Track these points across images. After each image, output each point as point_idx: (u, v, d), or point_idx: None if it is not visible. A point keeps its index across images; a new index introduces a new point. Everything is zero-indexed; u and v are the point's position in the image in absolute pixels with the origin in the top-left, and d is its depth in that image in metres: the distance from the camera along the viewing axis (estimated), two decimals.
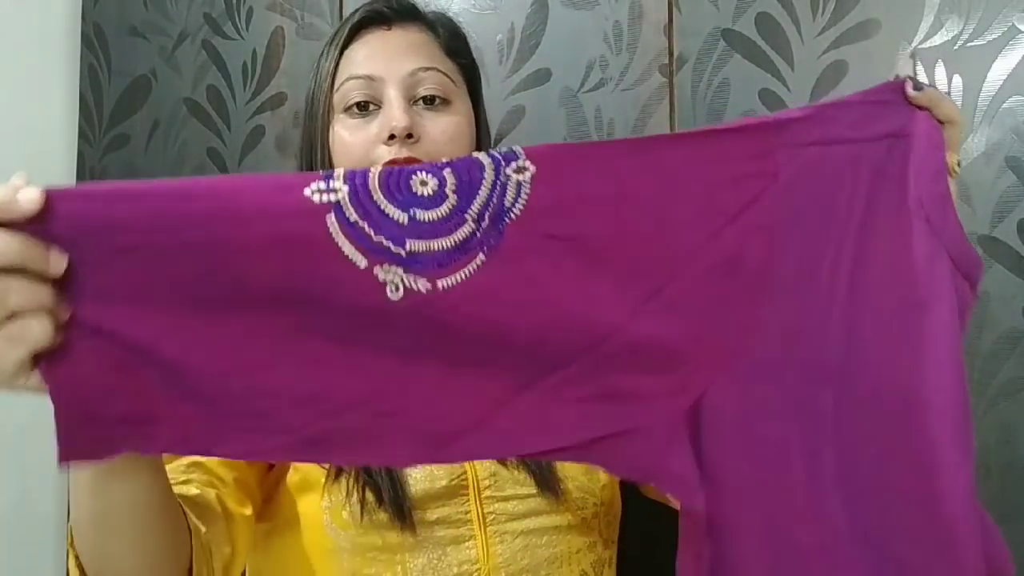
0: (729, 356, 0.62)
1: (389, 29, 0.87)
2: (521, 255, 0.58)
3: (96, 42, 1.47)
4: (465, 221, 0.57)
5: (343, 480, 0.77)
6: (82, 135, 1.46)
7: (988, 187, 0.98)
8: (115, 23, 1.46)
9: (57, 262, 0.51)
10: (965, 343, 0.63)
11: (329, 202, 0.55)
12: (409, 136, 0.80)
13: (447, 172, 0.57)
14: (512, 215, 0.57)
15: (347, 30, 0.87)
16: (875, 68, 1.04)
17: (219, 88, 1.38)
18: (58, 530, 1.41)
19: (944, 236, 0.62)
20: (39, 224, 0.50)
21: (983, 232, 0.98)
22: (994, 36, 0.99)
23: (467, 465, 0.79)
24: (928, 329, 0.61)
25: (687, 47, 1.13)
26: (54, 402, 0.52)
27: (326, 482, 0.78)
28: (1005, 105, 0.98)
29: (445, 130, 0.83)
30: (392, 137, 0.80)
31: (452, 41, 0.89)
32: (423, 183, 0.57)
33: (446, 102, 0.85)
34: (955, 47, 1.01)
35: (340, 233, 0.55)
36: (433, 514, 0.77)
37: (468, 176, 0.57)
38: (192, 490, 0.73)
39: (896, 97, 0.63)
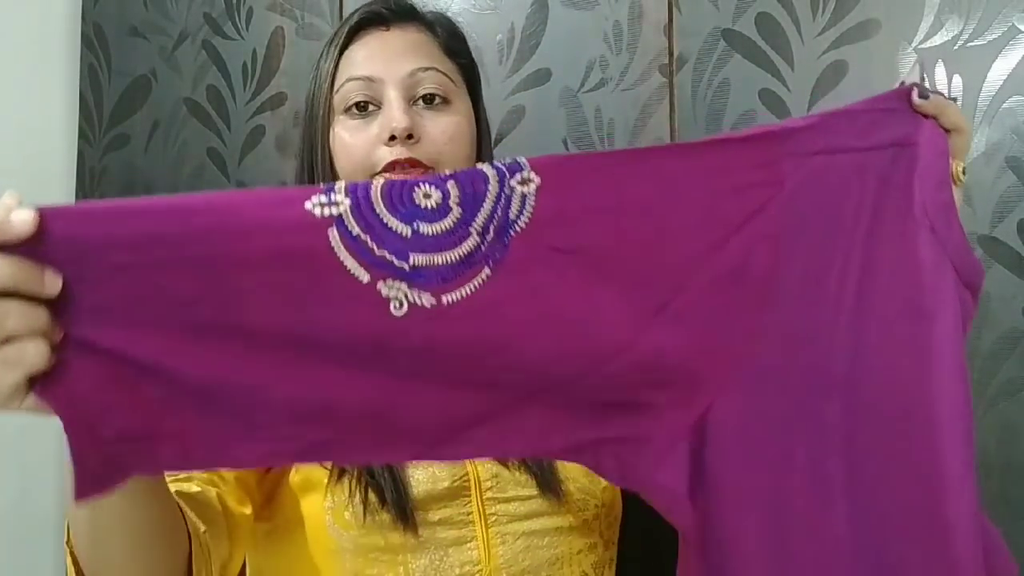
0: (735, 367, 0.61)
1: (388, 30, 0.87)
2: (526, 268, 0.57)
3: (96, 42, 1.46)
4: (469, 234, 0.56)
5: (346, 481, 0.77)
6: (82, 135, 1.46)
7: (988, 187, 0.98)
8: (115, 23, 1.45)
9: (52, 283, 0.50)
10: (965, 344, 0.63)
11: (331, 215, 0.54)
12: (409, 137, 0.80)
13: (451, 184, 0.56)
14: (517, 228, 0.57)
15: (346, 31, 0.87)
16: (875, 68, 1.04)
17: (219, 88, 1.38)
18: (57, 529, 1.40)
19: (948, 245, 0.61)
20: (33, 245, 0.50)
21: (983, 232, 0.98)
22: (994, 36, 0.99)
23: (469, 466, 0.80)
24: (933, 339, 0.60)
25: (687, 47, 1.13)
26: (65, 426, 0.52)
27: (329, 482, 0.78)
28: (1005, 105, 0.98)
29: (445, 130, 0.83)
30: (393, 138, 0.80)
31: (451, 41, 0.89)
32: (426, 195, 0.56)
33: (446, 102, 0.85)
34: (955, 47, 1.01)
35: (342, 247, 0.54)
36: (435, 515, 0.77)
37: (472, 188, 0.57)
38: (193, 487, 0.74)
39: (902, 105, 0.63)
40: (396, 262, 0.55)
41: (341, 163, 0.84)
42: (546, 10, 1.20)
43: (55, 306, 0.51)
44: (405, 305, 0.56)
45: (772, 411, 0.61)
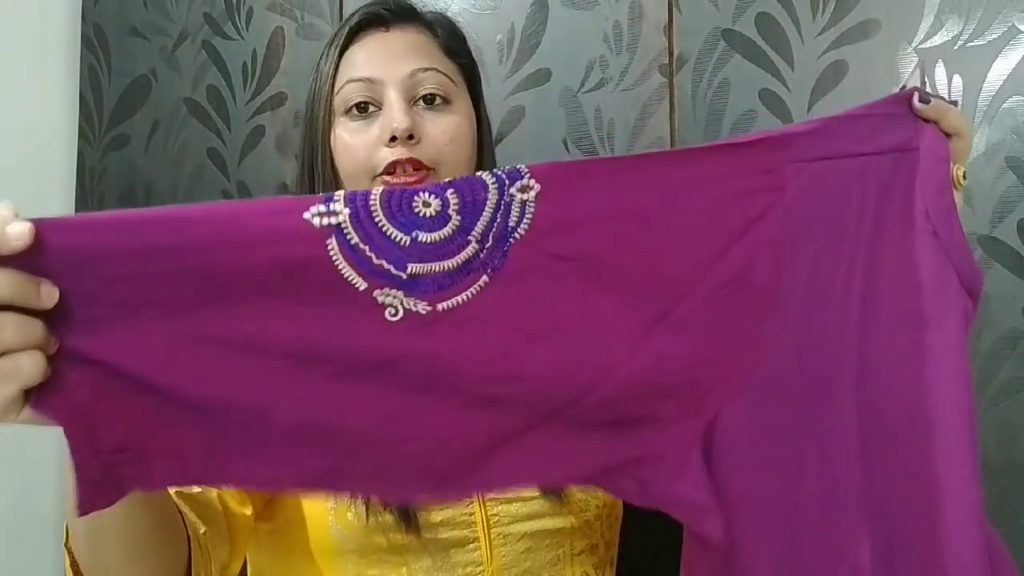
0: (739, 375, 0.61)
1: (387, 31, 0.87)
2: (526, 276, 0.57)
3: (96, 42, 1.46)
4: (468, 242, 0.56)
5: None
6: (82, 135, 1.46)
7: (988, 187, 0.99)
8: (115, 23, 1.45)
9: (48, 295, 0.50)
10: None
11: (330, 225, 0.54)
12: (410, 137, 0.80)
13: (450, 192, 0.56)
14: (517, 235, 0.57)
15: (345, 32, 0.86)
16: (875, 68, 1.04)
17: (219, 88, 1.38)
18: (57, 530, 1.39)
19: (950, 250, 0.61)
20: (30, 256, 0.49)
21: (983, 232, 0.98)
22: (994, 36, 0.99)
23: None
24: (937, 345, 0.60)
25: (687, 47, 1.13)
26: (67, 437, 0.52)
27: None
28: (1005, 105, 0.98)
29: (446, 130, 0.83)
30: (394, 139, 0.80)
31: (451, 41, 0.89)
32: (426, 204, 0.56)
33: (446, 102, 0.84)
34: (955, 47, 1.01)
35: (340, 257, 0.55)
36: (438, 516, 0.77)
37: (472, 196, 0.57)
38: (194, 488, 0.74)
39: (902, 109, 0.63)
40: (394, 271, 0.56)
41: (342, 164, 0.83)
42: (546, 10, 1.20)
43: (51, 318, 0.51)
44: (400, 312, 0.56)
45: (779, 419, 0.61)
